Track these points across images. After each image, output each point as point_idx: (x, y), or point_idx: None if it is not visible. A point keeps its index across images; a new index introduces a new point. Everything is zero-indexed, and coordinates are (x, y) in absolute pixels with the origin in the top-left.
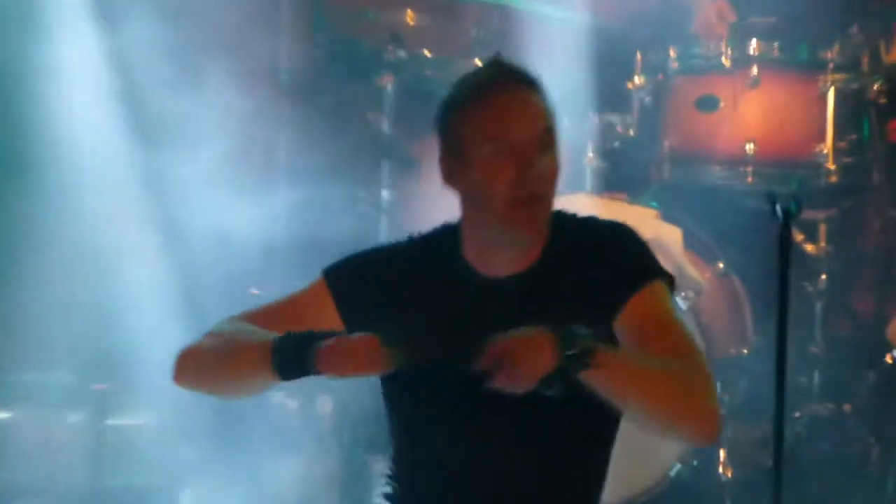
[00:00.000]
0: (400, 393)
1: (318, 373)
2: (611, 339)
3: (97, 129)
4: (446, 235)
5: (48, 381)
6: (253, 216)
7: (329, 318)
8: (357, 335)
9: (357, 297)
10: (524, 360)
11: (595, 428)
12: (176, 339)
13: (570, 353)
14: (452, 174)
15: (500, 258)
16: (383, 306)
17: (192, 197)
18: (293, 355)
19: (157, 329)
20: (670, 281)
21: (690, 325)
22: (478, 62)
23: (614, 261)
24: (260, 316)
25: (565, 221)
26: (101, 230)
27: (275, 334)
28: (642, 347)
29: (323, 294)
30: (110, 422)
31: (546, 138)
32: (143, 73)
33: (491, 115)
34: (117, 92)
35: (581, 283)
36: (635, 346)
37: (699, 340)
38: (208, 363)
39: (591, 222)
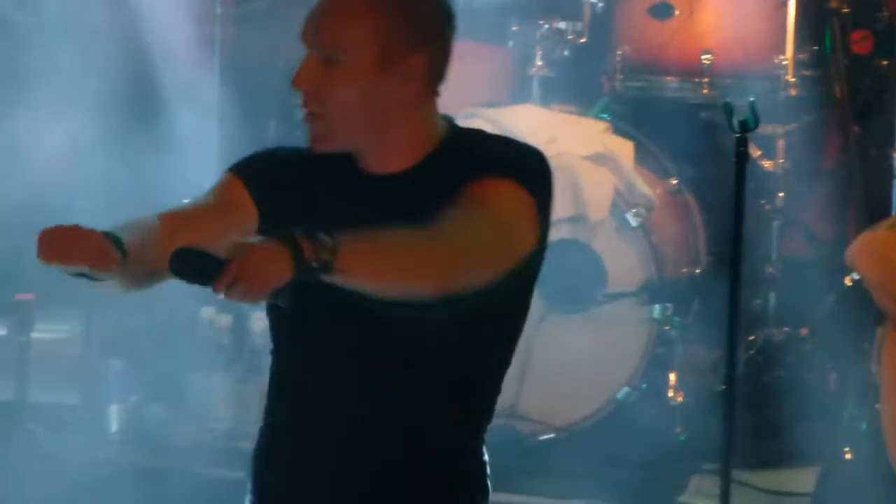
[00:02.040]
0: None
1: None
2: None
3: None
4: None
5: None
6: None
7: (245, 206)
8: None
9: (265, 186)
10: (254, 271)
11: (474, 350)
12: None
13: (304, 265)
14: None
15: (372, 160)
16: (283, 199)
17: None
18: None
19: None
20: (537, 195)
21: (641, 244)
22: None
23: (476, 157)
24: (178, 215)
25: (462, 129)
26: (24, 133)
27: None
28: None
29: (234, 184)
30: (35, 335)
31: (333, 54)
32: None
33: (305, 17)
34: None
35: (457, 186)
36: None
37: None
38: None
39: (485, 133)
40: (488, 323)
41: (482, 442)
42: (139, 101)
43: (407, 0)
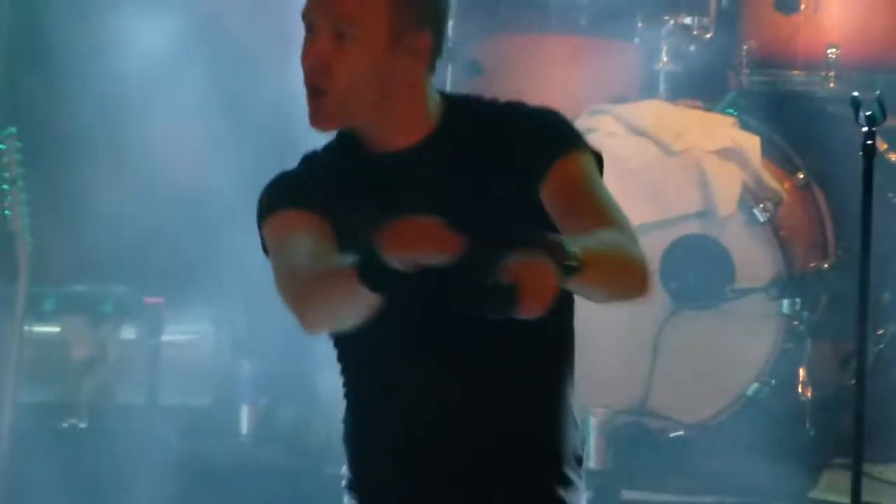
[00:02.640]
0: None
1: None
2: (533, 211)
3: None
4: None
5: (100, 293)
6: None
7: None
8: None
9: (312, 199)
10: (542, 288)
11: (554, 341)
12: (230, 250)
13: (567, 263)
14: None
15: (379, 138)
16: (326, 204)
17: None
18: (377, 263)
19: (210, 241)
20: (598, 158)
21: (770, 239)
22: None
23: (534, 125)
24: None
25: (458, 97)
26: (154, 144)
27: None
28: (572, 211)
29: (298, 217)
30: (165, 337)
31: (345, 29)
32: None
33: None
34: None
35: (492, 150)
36: (563, 211)
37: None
38: (326, 301)
39: (497, 102)
40: (567, 312)
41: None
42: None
43: None
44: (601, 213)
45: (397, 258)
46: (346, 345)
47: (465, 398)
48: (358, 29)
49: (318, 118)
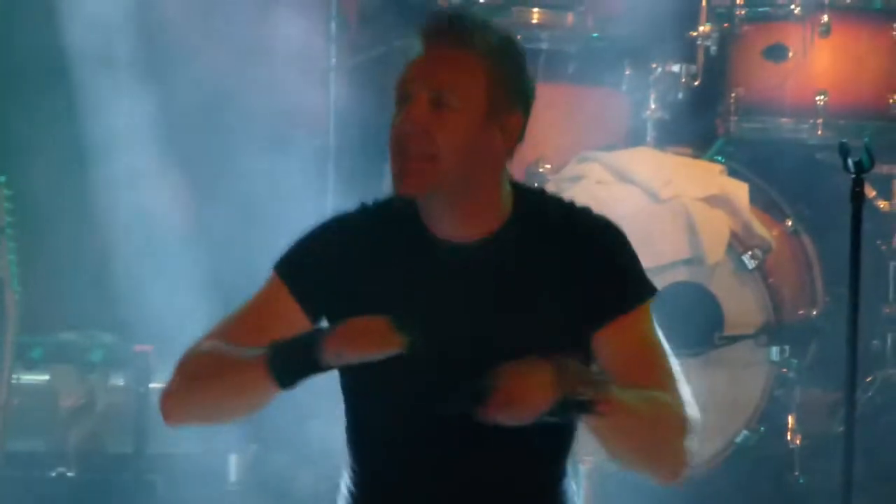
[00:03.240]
0: (361, 387)
1: (324, 366)
2: (580, 342)
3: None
4: (401, 200)
5: (88, 341)
6: (299, 181)
7: (292, 314)
8: (364, 318)
9: (317, 284)
10: (521, 398)
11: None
12: (218, 299)
13: (572, 399)
14: None
15: (453, 221)
16: (345, 284)
17: (228, 165)
18: (297, 354)
19: (198, 289)
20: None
21: (758, 287)
22: (534, 10)
23: (607, 264)
24: (224, 332)
25: (530, 192)
26: (140, 195)
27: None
28: (624, 368)
29: (279, 290)
30: (154, 385)
31: (445, 97)
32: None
33: (404, 69)
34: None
35: (558, 266)
36: (615, 363)
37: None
38: (201, 394)
39: (564, 203)
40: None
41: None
42: (252, 148)
43: (515, 58)
44: (656, 374)
45: (336, 356)
46: (354, 403)
47: (465, 467)
48: (459, 98)
49: (415, 183)
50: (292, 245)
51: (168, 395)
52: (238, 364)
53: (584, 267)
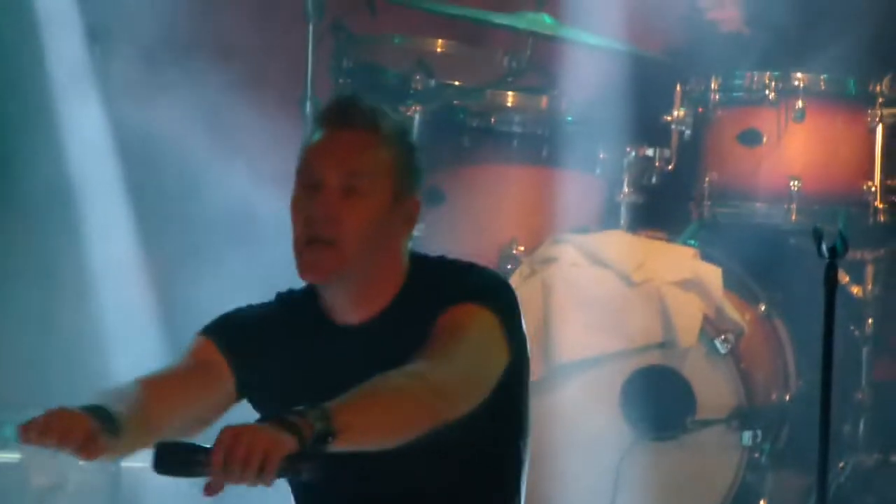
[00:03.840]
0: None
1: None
2: None
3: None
4: (308, 288)
5: None
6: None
7: (220, 369)
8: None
9: (240, 345)
10: (248, 447)
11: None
12: None
13: (305, 438)
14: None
15: (346, 306)
16: (258, 360)
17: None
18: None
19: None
20: (502, 314)
21: (731, 371)
22: (508, 93)
23: (438, 293)
24: (157, 382)
25: (422, 264)
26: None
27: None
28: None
29: (208, 346)
30: (126, 464)
31: (355, 183)
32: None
33: (308, 151)
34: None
35: (424, 324)
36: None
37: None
38: None
39: (444, 262)
40: (480, 442)
41: None
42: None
43: (412, 143)
44: (433, 349)
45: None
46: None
47: None
48: (368, 184)
49: (317, 269)
50: (217, 316)
51: None
52: None
53: (432, 312)
